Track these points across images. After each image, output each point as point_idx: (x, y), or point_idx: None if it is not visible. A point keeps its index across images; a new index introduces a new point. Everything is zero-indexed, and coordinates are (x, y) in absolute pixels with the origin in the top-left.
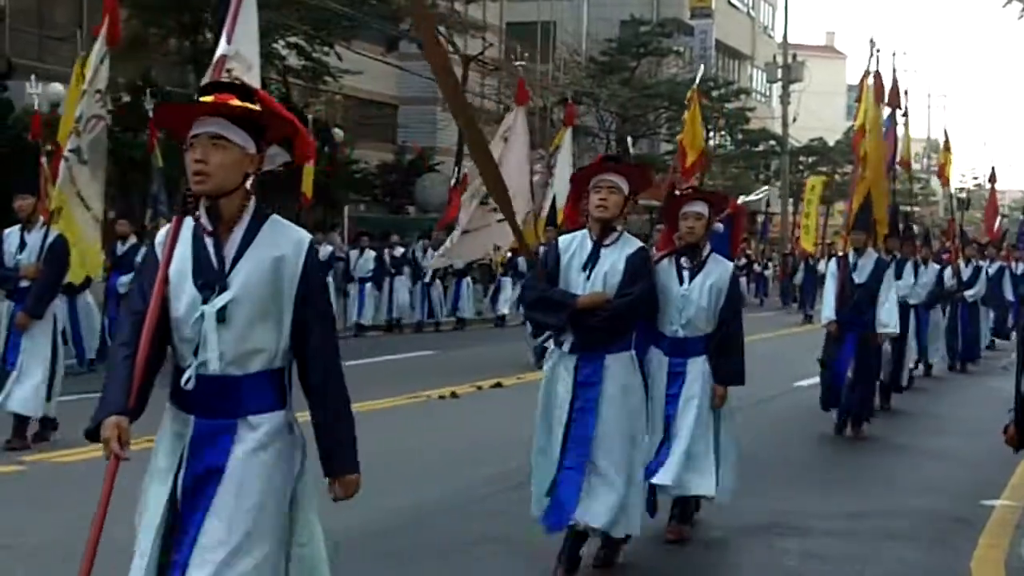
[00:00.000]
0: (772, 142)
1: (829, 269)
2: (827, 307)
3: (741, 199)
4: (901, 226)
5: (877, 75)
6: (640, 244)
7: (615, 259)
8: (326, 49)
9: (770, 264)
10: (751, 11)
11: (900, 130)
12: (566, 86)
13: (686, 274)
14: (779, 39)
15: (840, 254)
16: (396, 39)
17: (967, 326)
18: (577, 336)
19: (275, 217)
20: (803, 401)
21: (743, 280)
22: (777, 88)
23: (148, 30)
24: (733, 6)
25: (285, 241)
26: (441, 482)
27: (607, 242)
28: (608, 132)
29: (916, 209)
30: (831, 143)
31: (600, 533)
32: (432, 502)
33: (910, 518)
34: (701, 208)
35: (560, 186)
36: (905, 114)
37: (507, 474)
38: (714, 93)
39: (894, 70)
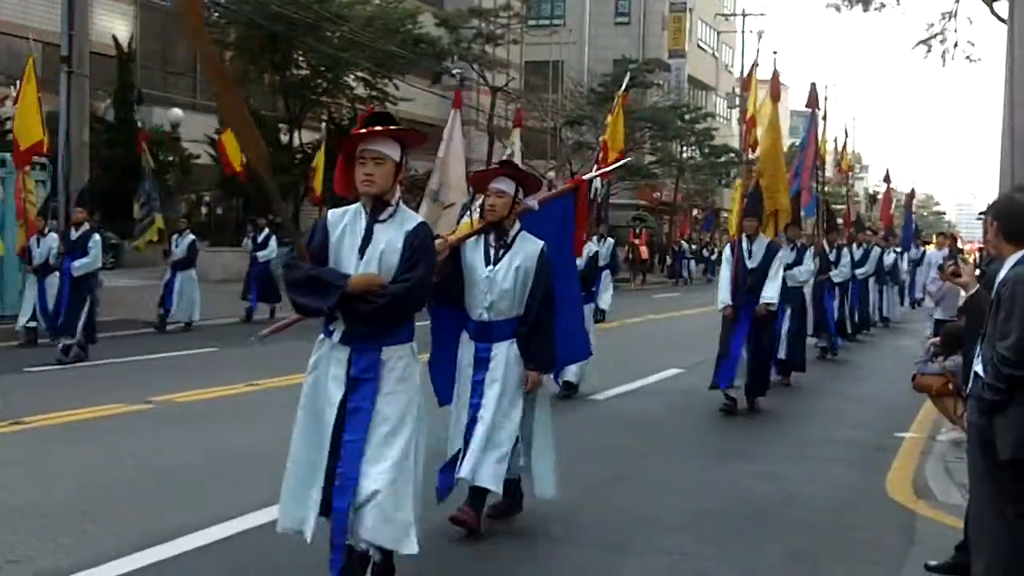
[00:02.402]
0: (732, 154)
1: (724, 255)
2: (722, 291)
3: (590, 174)
4: (826, 218)
5: (775, 76)
6: (420, 219)
7: (392, 236)
8: (386, 81)
9: (715, 250)
10: (715, 52)
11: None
12: (571, 111)
13: (493, 254)
14: (737, 74)
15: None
16: (440, 74)
17: (857, 301)
18: (349, 324)
19: None
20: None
21: (692, 263)
22: (736, 112)
23: (248, 67)
24: (701, 48)
25: None
26: None
27: (382, 217)
28: None
29: (840, 207)
30: None
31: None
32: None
33: (837, 447)
34: (503, 185)
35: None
36: (824, 117)
37: None
38: (687, 117)
39: (813, 84)
